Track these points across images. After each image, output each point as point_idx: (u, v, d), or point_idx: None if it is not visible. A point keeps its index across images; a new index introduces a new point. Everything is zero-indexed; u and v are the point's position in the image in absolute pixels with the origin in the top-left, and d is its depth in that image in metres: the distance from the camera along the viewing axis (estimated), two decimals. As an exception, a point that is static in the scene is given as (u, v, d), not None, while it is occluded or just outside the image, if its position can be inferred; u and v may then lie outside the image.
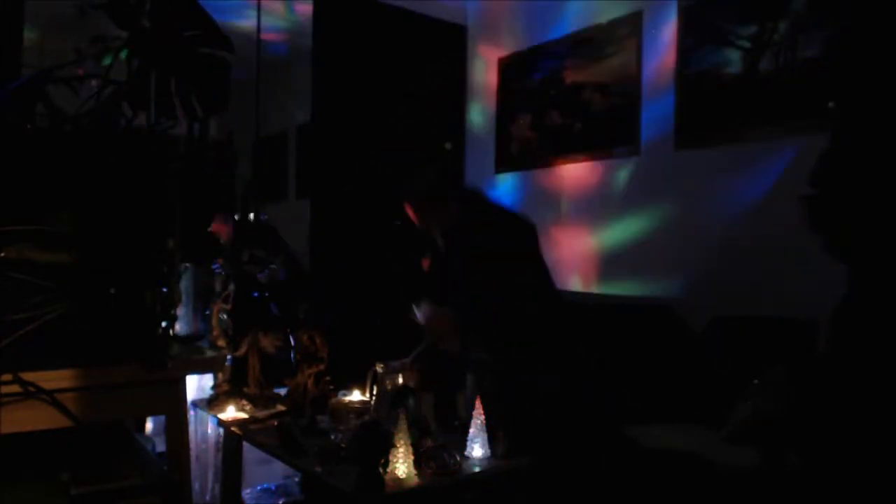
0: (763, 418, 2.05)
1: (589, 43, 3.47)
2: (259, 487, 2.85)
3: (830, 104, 2.38)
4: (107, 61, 1.48)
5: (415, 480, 1.80)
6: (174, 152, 1.51)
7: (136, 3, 1.49)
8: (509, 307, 2.00)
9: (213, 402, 2.55)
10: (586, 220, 3.47)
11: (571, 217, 3.55)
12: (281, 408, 2.53)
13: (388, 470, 1.77)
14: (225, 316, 2.61)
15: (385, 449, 1.75)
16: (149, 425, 2.52)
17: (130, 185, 1.35)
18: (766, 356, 2.29)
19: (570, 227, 3.56)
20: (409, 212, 2.20)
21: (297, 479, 2.86)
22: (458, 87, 4.28)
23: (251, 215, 3.55)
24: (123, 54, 1.48)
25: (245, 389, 2.57)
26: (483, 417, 2.01)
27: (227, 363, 2.57)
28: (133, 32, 1.48)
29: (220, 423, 2.48)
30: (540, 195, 3.74)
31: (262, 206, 3.83)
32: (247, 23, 3.66)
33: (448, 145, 3.94)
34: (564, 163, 3.59)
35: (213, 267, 2.70)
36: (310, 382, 2.52)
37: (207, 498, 2.66)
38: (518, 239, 2.13)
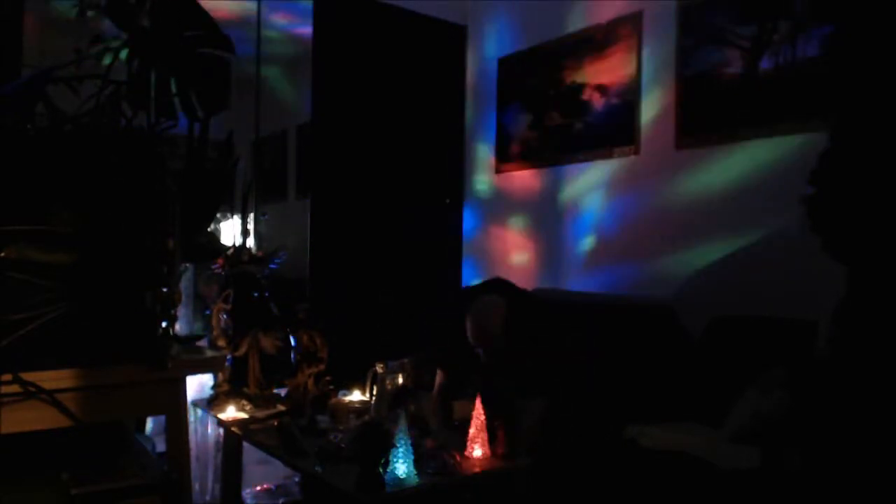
0: (763, 418, 2.05)
1: (589, 43, 3.47)
2: (259, 487, 2.85)
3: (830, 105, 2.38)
4: (107, 61, 1.48)
5: (415, 480, 1.80)
6: (175, 152, 1.51)
7: (136, 3, 1.49)
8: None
9: (213, 402, 2.55)
10: (586, 220, 3.47)
11: (571, 216, 3.55)
12: (281, 408, 2.53)
13: (388, 470, 1.77)
14: (225, 316, 2.61)
15: (385, 449, 1.75)
16: (149, 425, 2.52)
17: (130, 185, 1.35)
18: (766, 356, 2.29)
19: (569, 226, 3.56)
20: None
21: (297, 479, 2.86)
22: (458, 87, 4.28)
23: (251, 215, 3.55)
24: (123, 54, 1.48)
25: (245, 389, 2.57)
26: (483, 417, 2.01)
27: (227, 363, 2.57)
28: (133, 32, 1.48)
29: (220, 423, 2.48)
30: (539, 195, 3.74)
31: (263, 206, 3.82)
32: (246, 23, 3.66)
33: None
34: (564, 163, 3.59)
35: (213, 267, 2.70)
36: (310, 382, 2.52)
37: (207, 498, 2.66)
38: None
